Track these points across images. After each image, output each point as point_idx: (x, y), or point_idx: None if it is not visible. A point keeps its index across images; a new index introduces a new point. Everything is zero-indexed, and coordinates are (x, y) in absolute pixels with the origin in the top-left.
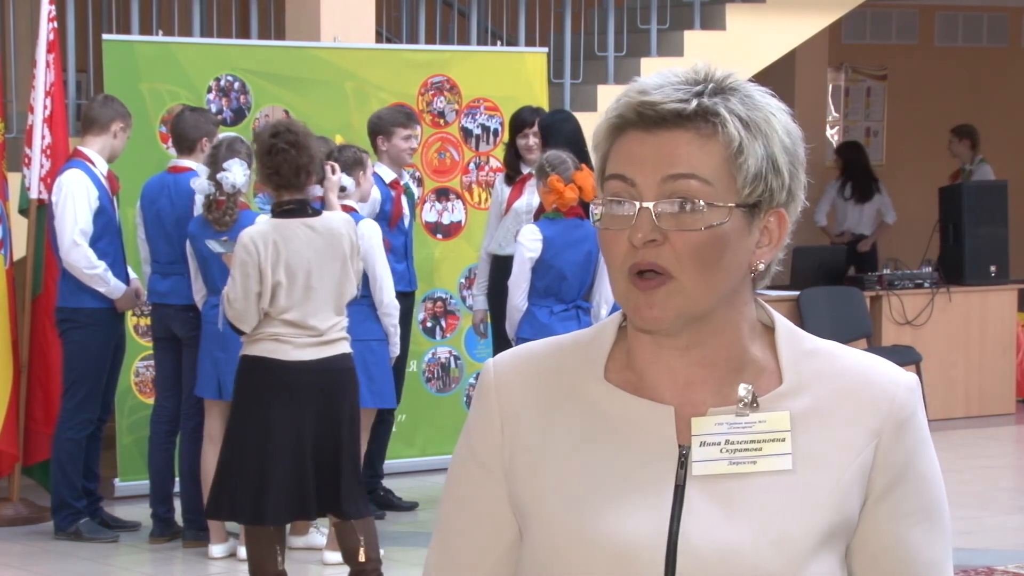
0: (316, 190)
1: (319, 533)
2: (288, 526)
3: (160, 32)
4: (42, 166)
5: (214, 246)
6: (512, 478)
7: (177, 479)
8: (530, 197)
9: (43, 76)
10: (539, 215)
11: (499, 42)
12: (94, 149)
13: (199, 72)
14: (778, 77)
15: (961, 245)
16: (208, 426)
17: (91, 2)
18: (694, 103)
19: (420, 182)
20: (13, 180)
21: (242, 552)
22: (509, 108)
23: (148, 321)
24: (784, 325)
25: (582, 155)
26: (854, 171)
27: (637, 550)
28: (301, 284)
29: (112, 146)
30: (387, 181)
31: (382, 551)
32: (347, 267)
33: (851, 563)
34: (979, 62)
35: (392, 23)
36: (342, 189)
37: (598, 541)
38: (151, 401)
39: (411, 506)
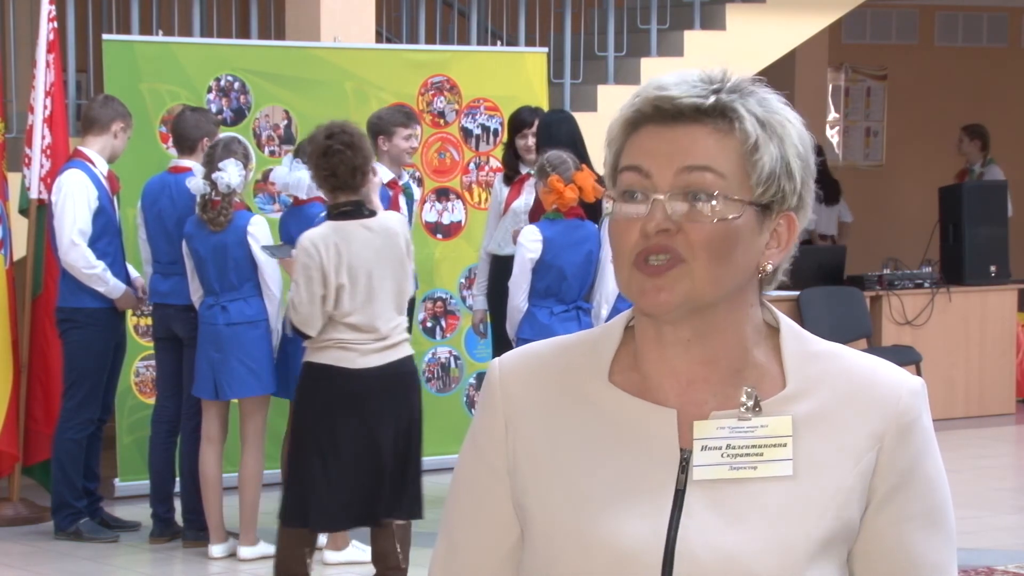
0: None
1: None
2: None
3: (160, 32)
4: (42, 166)
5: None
6: (515, 478)
7: (177, 479)
8: (528, 197)
9: (43, 76)
10: (536, 215)
11: (499, 42)
12: (94, 149)
13: (199, 72)
14: (778, 77)
15: (961, 245)
16: (206, 426)
17: (91, 2)
18: (712, 98)
19: (420, 182)
20: (13, 180)
21: (242, 552)
22: (509, 108)
23: (148, 321)
24: (789, 327)
25: (580, 155)
26: (823, 174)
27: (635, 554)
28: (363, 286)
29: (113, 146)
30: (385, 181)
31: None
32: (405, 266)
33: (855, 567)
34: (979, 62)
35: (392, 23)
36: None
37: (596, 543)
38: (151, 401)
39: None
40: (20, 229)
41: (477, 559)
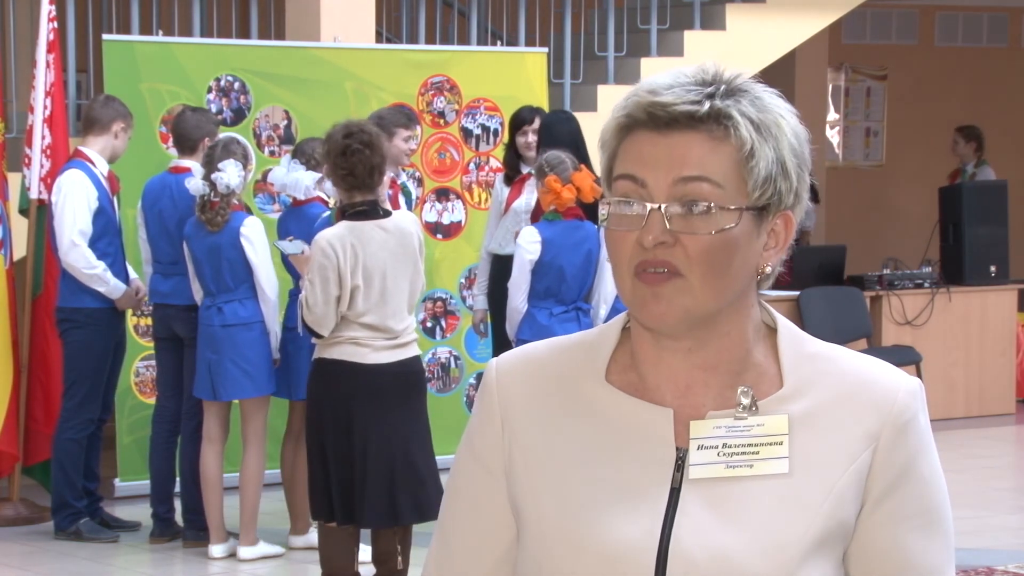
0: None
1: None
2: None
3: (160, 32)
4: (42, 166)
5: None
6: (511, 478)
7: (177, 479)
8: (529, 196)
9: (43, 76)
10: (536, 216)
11: (499, 42)
12: (95, 149)
13: (199, 72)
14: (778, 77)
15: (961, 245)
16: (206, 426)
17: (91, 2)
18: (707, 105)
19: (420, 182)
20: (13, 180)
21: (242, 552)
22: (509, 108)
23: (148, 321)
24: (786, 327)
25: (581, 156)
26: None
27: (628, 553)
28: (377, 287)
29: (113, 146)
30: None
31: None
32: (418, 266)
33: (850, 568)
34: (979, 62)
35: (392, 23)
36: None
37: (590, 543)
38: (151, 401)
39: None
40: (20, 229)
41: (473, 560)
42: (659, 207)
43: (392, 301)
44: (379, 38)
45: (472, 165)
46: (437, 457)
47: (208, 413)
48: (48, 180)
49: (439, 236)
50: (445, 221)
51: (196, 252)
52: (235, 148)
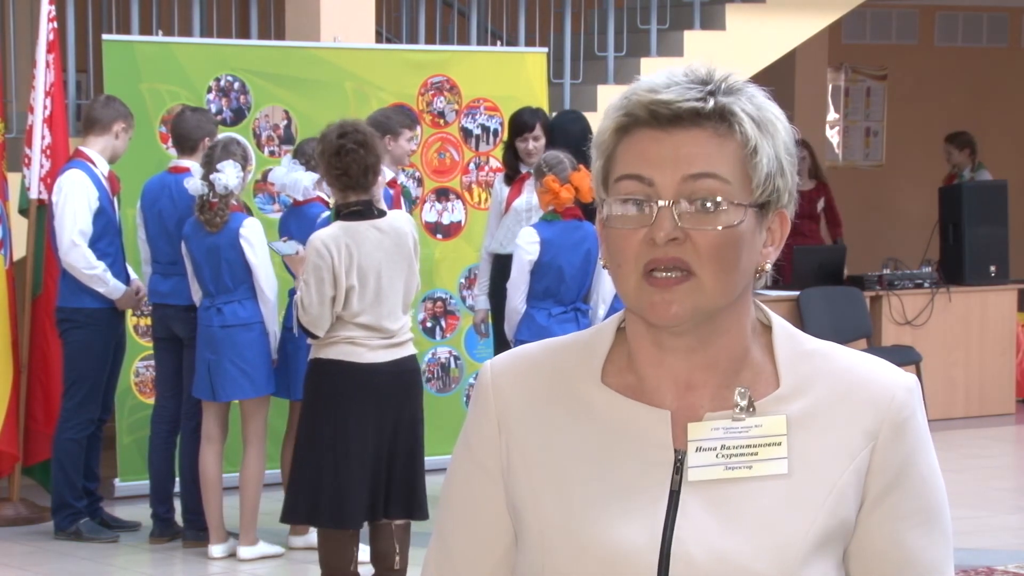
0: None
1: None
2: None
3: (160, 32)
4: (42, 166)
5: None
6: (509, 480)
7: (177, 479)
8: (529, 196)
9: (43, 76)
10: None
11: (499, 42)
12: (95, 149)
13: (199, 72)
14: (778, 77)
15: (961, 245)
16: (205, 426)
17: (91, 2)
18: (711, 102)
19: (420, 182)
20: (13, 180)
21: (242, 552)
22: (509, 108)
23: (148, 321)
24: (782, 326)
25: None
26: None
27: (631, 556)
28: (372, 287)
29: (114, 146)
30: (386, 180)
31: None
32: (413, 265)
33: (850, 566)
34: (979, 62)
35: (392, 23)
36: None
37: (591, 546)
38: (151, 401)
39: None
40: (20, 229)
41: (471, 561)
42: (669, 204)
43: (387, 301)
44: (379, 38)
45: (472, 165)
46: (437, 457)
47: (207, 413)
48: (48, 180)
49: (439, 236)
50: (445, 221)
51: (195, 253)
52: (234, 149)
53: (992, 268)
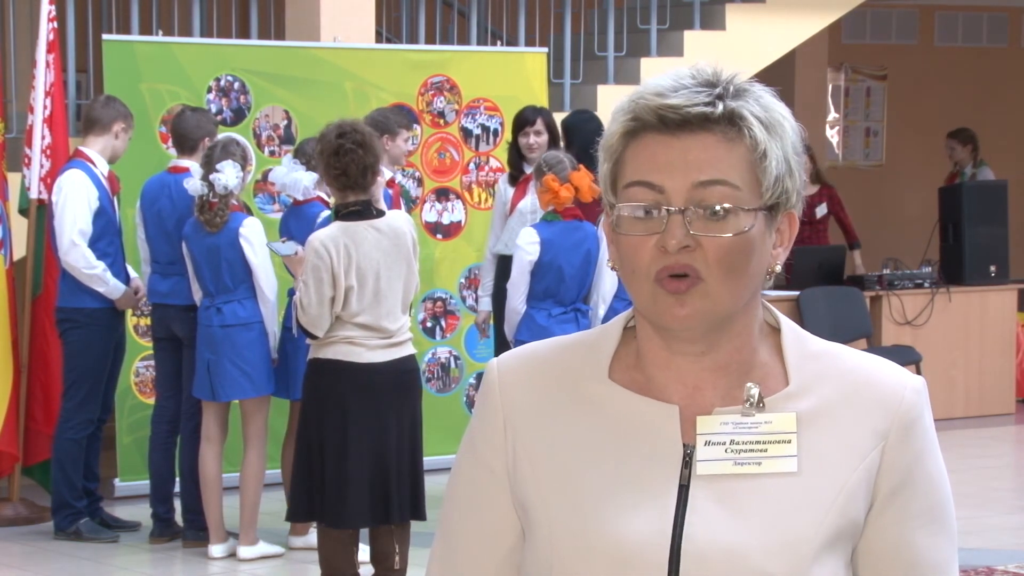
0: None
1: None
2: (289, 525)
3: (160, 32)
4: (42, 166)
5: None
6: (515, 478)
7: (177, 479)
8: (534, 197)
9: (43, 76)
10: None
11: (499, 42)
12: (95, 149)
13: (199, 72)
14: (778, 77)
15: (961, 245)
16: (205, 426)
17: (91, 2)
18: (720, 106)
19: (420, 182)
20: (13, 180)
21: (242, 552)
22: (509, 108)
23: (148, 321)
24: (790, 327)
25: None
26: None
27: (641, 550)
28: (371, 287)
29: (114, 146)
30: (385, 180)
31: None
32: (412, 265)
33: (857, 566)
34: (979, 62)
35: (392, 23)
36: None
37: (601, 541)
38: (151, 401)
39: None
40: (20, 229)
41: (475, 560)
42: (680, 211)
43: (386, 301)
44: (379, 38)
45: (472, 165)
46: (437, 457)
47: (207, 413)
48: (48, 180)
49: (439, 236)
50: (445, 221)
51: (195, 252)
52: (234, 149)
53: (992, 268)
